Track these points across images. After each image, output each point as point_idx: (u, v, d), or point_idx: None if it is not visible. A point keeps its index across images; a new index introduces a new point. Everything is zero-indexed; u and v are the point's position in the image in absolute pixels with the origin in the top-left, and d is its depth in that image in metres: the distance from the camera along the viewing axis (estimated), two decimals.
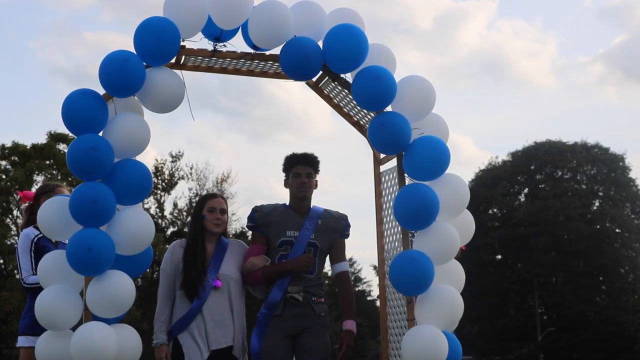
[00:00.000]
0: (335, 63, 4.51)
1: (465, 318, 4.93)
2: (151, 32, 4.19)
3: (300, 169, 5.05)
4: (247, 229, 5.17)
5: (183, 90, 4.34)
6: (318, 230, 5.04)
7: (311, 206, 5.13)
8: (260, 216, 5.07)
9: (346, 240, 5.23)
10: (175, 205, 40.15)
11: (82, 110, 4.12)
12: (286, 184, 5.15)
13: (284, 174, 5.16)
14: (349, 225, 5.17)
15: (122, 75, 4.11)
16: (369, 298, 50.93)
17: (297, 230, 5.01)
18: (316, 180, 5.13)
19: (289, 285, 4.92)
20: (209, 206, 5.03)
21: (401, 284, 4.46)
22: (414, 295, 4.57)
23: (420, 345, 4.36)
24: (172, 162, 39.95)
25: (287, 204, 5.14)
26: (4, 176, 33.26)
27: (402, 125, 4.45)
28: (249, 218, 5.13)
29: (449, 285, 4.51)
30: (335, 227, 5.11)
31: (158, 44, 4.19)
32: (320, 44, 4.53)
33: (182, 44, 4.42)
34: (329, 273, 33.08)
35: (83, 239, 4.04)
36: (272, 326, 4.89)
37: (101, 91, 4.24)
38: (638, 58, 67.92)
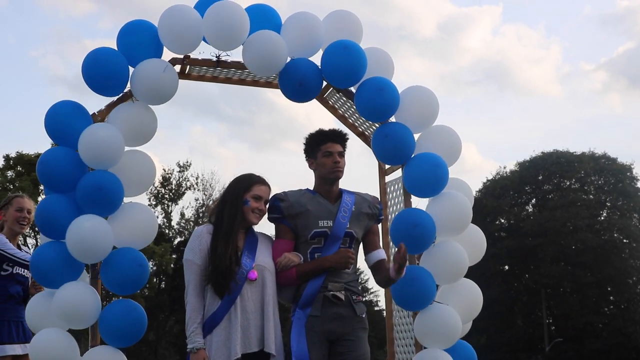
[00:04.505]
0: (334, 80, 4.53)
1: (472, 328, 4.86)
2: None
3: (332, 147, 4.43)
4: (269, 221, 4.50)
5: (173, 80, 4.31)
6: (353, 217, 4.43)
7: (339, 190, 4.52)
8: (286, 206, 4.38)
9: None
10: (182, 215, 40.28)
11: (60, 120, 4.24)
12: (311, 166, 4.51)
13: (306, 155, 4.55)
14: (382, 208, 4.64)
15: (103, 72, 4.20)
16: (376, 308, 50.83)
17: (331, 220, 4.37)
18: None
19: (329, 281, 4.31)
20: (255, 192, 4.31)
21: (400, 300, 4.49)
22: (413, 310, 4.58)
23: None
24: (179, 172, 40.10)
25: (312, 189, 4.52)
26: (11, 186, 33.40)
27: (406, 136, 4.45)
28: (271, 209, 4.41)
29: (447, 306, 4.46)
30: (371, 212, 4.52)
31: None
32: (321, 52, 4.53)
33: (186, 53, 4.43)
34: None
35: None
36: (310, 329, 4.25)
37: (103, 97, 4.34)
38: None
